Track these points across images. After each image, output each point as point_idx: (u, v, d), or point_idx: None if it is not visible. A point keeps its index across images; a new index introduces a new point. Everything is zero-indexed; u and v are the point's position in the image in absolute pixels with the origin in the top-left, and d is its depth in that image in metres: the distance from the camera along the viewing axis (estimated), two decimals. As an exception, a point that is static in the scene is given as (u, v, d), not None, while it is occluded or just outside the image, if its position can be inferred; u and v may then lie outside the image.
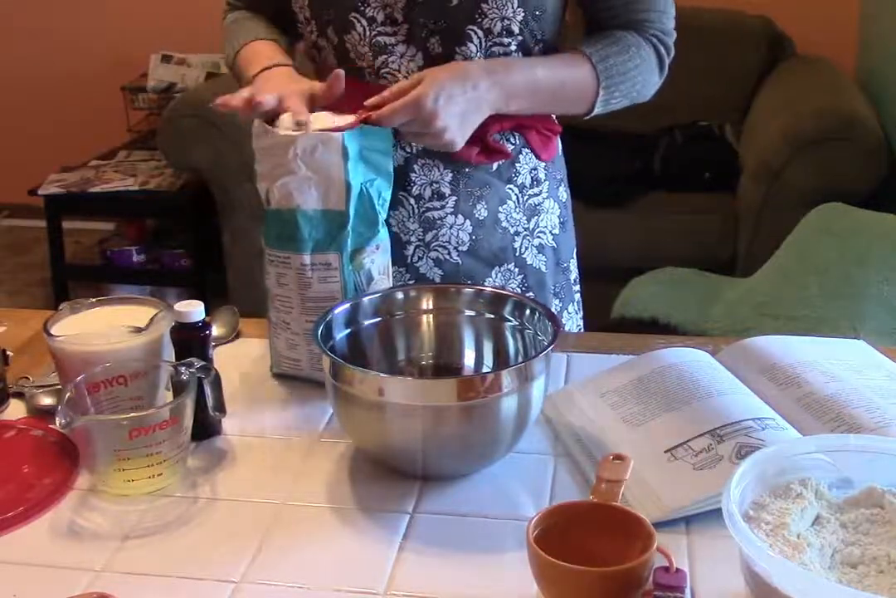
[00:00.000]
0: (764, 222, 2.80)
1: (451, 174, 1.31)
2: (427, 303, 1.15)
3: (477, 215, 1.33)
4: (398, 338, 1.15)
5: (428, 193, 1.31)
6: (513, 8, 1.23)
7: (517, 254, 1.37)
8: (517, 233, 1.36)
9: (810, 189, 2.69)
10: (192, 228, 3.39)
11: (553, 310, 1.41)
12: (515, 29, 1.25)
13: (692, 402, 1.07)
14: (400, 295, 1.15)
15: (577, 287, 1.49)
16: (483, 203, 1.33)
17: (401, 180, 1.29)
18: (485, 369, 1.14)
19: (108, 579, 0.89)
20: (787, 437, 1.00)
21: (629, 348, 1.26)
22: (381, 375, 1.02)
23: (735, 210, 2.95)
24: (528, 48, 1.28)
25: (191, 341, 1.08)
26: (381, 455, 1.04)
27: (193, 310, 1.08)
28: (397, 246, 1.30)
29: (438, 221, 1.32)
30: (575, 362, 1.25)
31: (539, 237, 1.39)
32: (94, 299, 1.19)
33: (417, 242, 1.32)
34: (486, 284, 1.34)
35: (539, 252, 1.39)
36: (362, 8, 1.24)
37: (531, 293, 1.39)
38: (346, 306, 1.11)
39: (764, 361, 1.17)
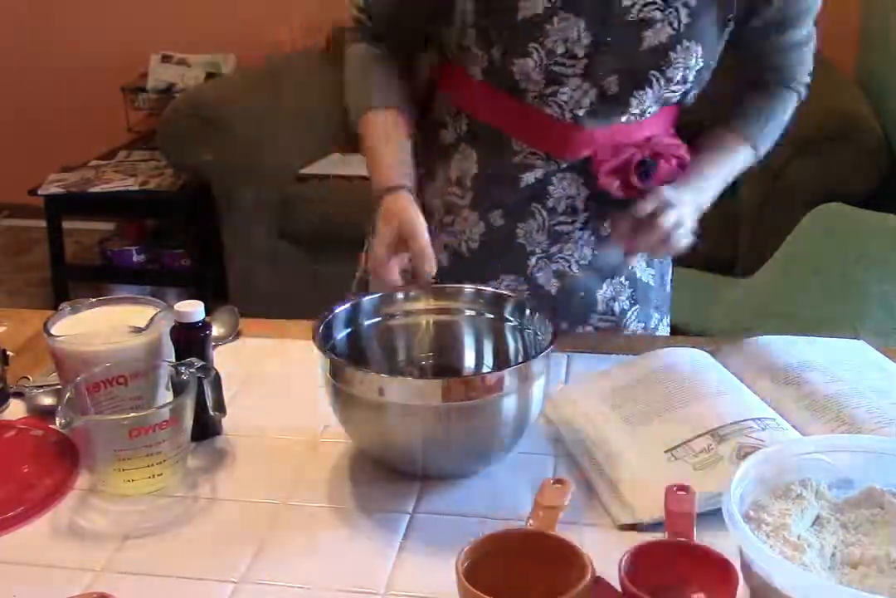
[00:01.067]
0: (764, 222, 2.80)
1: (587, 191, 1.30)
2: (427, 303, 1.15)
3: (602, 232, 1.33)
4: (398, 338, 1.15)
5: (562, 207, 1.31)
6: (696, 58, 1.23)
7: (630, 268, 1.37)
8: None
9: (810, 189, 2.69)
10: (192, 228, 3.38)
11: (653, 324, 1.43)
12: (690, 77, 1.25)
13: (692, 402, 1.06)
14: (400, 295, 1.15)
15: (670, 300, 1.50)
16: (609, 220, 1.32)
17: (535, 193, 1.30)
18: (485, 369, 1.14)
19: (109, 579, 0.89)
20: (788, 437, 1.00)
21: (629, 348, 1.26)
22: (382, 375, 1.02)
23: (735, 210, 2.95)
24: (687, 94, 1.28)
25: (191, 341, 1.08)
26: (382, 455, 1.04)
27: (193, 310, 1.08)
28: (519, 254, 1.32)
29: (566, 236, 1.32)
30: (575, 362, 1.25)
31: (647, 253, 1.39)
32: (94, 299, 1.19)
33: (541, 254, 1.32)
34: (598, 295, 1.37)
35: (648, 266, 1.40)
36: (541, 39, 1.21)
37: (637, 307, 1.39)
38: (347, 306, 1.11)
39: (764, 361, 1.17)
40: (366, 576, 0.89)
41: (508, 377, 0.97)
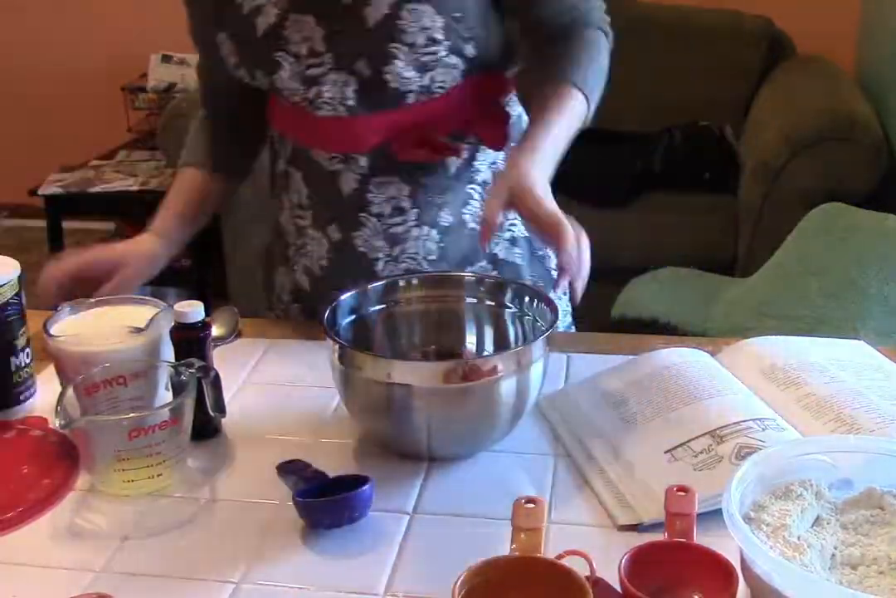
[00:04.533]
0: (764, 222, 2.80)
1: (408, 188, 1.29)
2: (429, 291, 1.18)
3: (442, 223, 1.31)
4: (402, 324, 1.18)
5: (388, 210, 1.30)
6: (430, 16, 1.19)
7: (488, 250, 1.34)
8: None
9: (810, 189, 2.69)
10: (192, 228, 3.38)
11: None
12: (439, 36, 1.20)
13: (692, 402, 1.06)
14: (403, 283, 1.18)
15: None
16: (447, 210, 1.31)
17: (358, 202, 1.29)
18: (485, 354, 1.16)
19: (108, 579, 0.89)
20: (788, 438, 1.00)
21: (629, 348, 1.26)
22: (389, 359, 1.05)
23: (735, 210, 2.95)
24: (459, 48, 1.23)
25: (190, 341, 1.08)
26: (388, 437, 1.07)
27: (193, 310, 1.08)
28: (365, 263, 1.31)
29: (403, 236, 1.30)
30: (575, 363, 1.25)
31: (510, 230, 1.36)
32: (94, 299, 1.19)
33: (385, 257, 1.31)
34: None
35: (512, 245, 1.36)
36: (285, 46, 1.23)
37: None
38: (352, 293, 1.14)
39: (764, 361, 1.16)
40: (366, 577, 0.89)
41: (509, 360, 1.00)
